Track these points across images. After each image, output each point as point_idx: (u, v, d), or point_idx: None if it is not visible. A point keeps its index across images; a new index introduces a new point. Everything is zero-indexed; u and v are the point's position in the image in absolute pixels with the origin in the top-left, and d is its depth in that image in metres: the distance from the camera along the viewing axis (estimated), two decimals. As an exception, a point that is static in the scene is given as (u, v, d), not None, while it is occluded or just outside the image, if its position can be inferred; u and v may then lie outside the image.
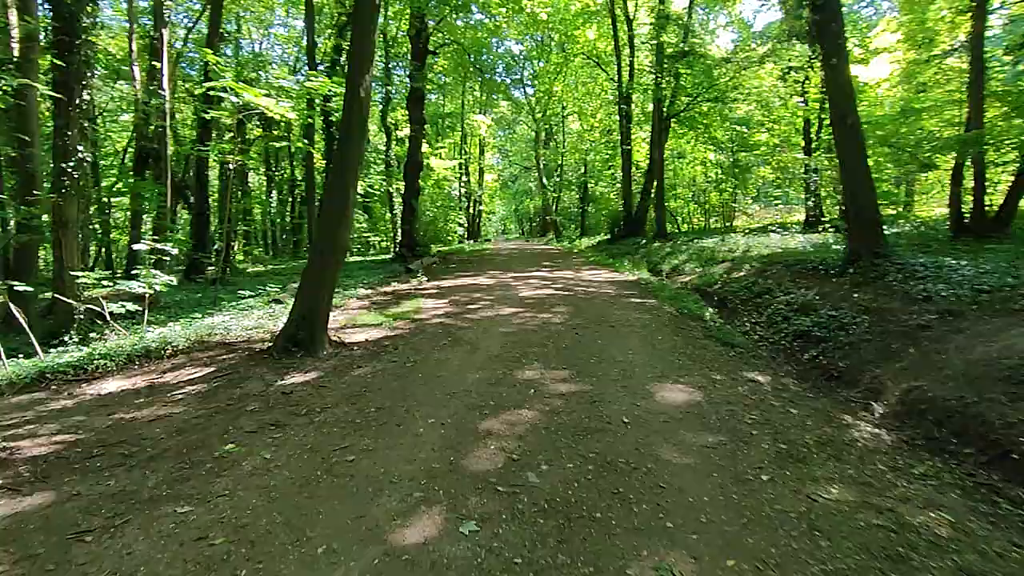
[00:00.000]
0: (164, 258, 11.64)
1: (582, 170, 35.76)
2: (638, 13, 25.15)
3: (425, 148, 25.86)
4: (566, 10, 27.46)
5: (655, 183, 22.67)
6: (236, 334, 7.29)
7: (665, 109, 21.56)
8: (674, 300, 9.48)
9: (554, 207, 38.76)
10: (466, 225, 35.36)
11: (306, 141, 19.42)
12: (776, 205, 33.51)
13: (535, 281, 11.76)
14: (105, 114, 24.04)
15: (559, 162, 39.04)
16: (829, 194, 20.27)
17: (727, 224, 29.99)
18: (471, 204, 41.67)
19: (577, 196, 38.78)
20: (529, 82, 36.43)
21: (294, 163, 30.90)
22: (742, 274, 11.21)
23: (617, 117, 31.21)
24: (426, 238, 21.89)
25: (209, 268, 15.55)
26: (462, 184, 36.44)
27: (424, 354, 6.21)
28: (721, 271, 12.28)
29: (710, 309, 9.30)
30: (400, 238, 19.57)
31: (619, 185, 35.33)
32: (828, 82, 8.69)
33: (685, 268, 14.22)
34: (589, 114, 31.90)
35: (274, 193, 33.17)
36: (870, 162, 9.05)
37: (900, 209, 21.88)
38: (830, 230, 15.54)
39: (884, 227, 8.61)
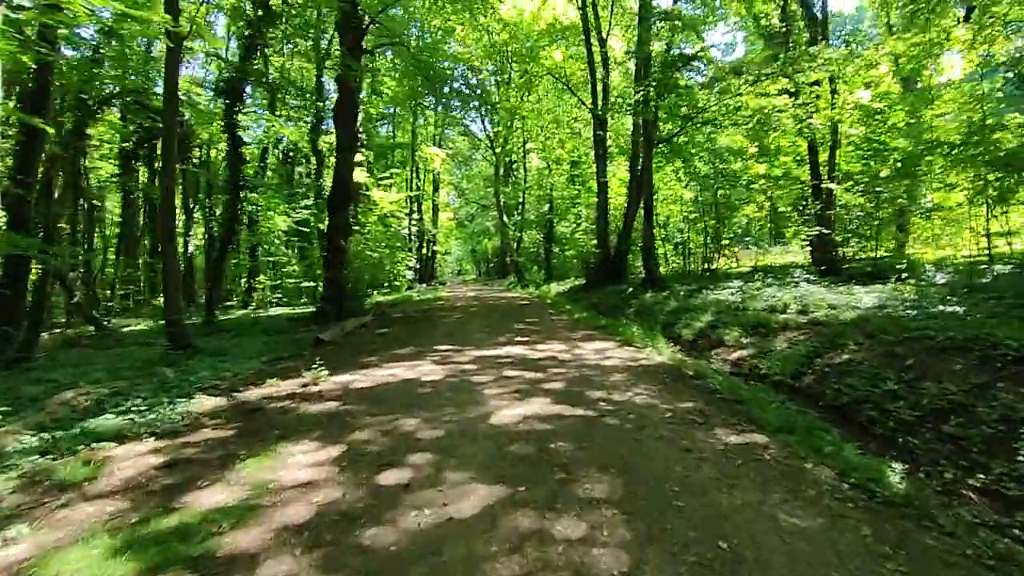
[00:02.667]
0: None
1: (546, 208, 31.48)
2: (612, 31, 21.28)
3: (364, 176, 20.95)
4: (530, 27, 23.45)
5: (639, 219, 18.39)
6: None
7: (656, 132, 17.38)
8: (790, 432, 4.70)
9: (515, 247, 34.23)
10: (417, 267, 30.29)
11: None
12: (758, 246, 29.98)
13: (514, 373, 6.85)
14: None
15: (520, 199, 34.73)
16: (853, 232, 16.29)
17: (707, 267, 26.08)
18: (423, 244, 36.71)
19: (540, 236, 34.43)
20: (487, 113, 32.20)
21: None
22: (846, 357, 6.71)
23: (586, 149, 27.26)
24: (363, 286, 16.81)
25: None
26: (413, 222, 31.53)
27: None
28: (795, 348, 7.73)
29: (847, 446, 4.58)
30: (324, 288, 14.38)
31: (587, 224, 31.26)
32: None
33: (722, 337, 9.64)
34: (555, 145, 27.74)
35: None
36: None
37: None
38: (874, 280, 11.38)
39: None
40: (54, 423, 5.16)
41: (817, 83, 16.32)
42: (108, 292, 21.75)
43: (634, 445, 4.25)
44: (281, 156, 26.48)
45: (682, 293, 15.37)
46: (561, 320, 12.94)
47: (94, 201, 21.34)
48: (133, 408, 5.67)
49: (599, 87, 20.50)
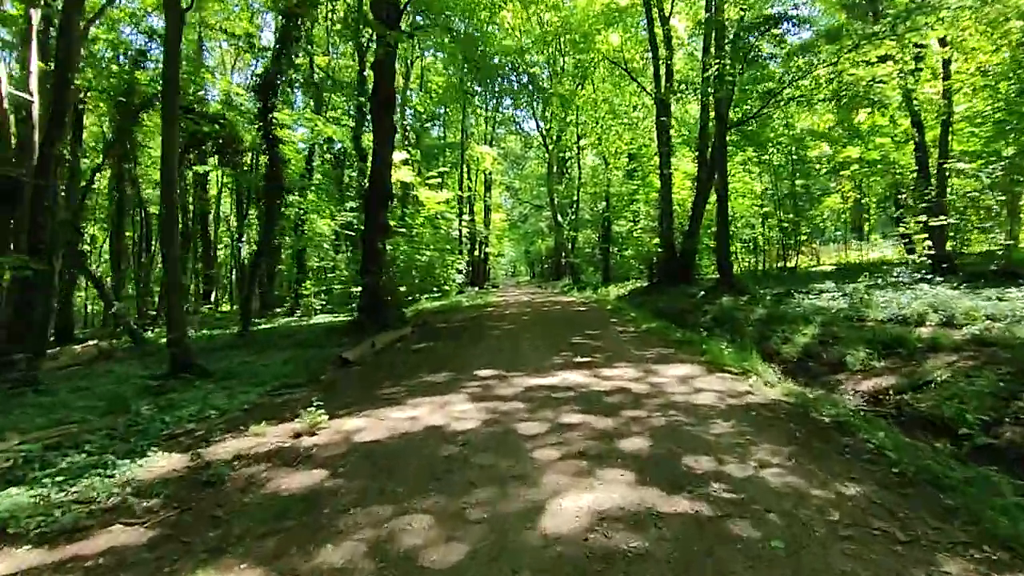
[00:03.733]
0: None
1: (602, 205, 29.26)
2: (676, 7, 18.98)
3: (411, 175, 19.52)
4: (585, 11, 21.42)
5: (715, 213, 16.08)
6: None
7: (730, 113, 15.03)
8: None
9: (570, 248, 32.16)
10: (468, 270, 28.77)
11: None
12: (844, 240, 26.79)
13: (575, 418, 4.93)
14: None
15: (574, 197, 32.65)
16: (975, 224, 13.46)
17: (784, 266, 23.25)
18: (476, 246, 35.19)
19: (596, 235, 32.21)
20: (539, 104, 30.29)
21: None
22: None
23: (644, 141, 24.92)
24: (404, 294, 15.34)
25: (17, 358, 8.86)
26: (464, 223, 30.04)
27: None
28: (970, 380, 5.51)
29: None
30: (360, 297, 12.91)
31: (647, 221, 28.86)
32: None
33: (841, 358, 7.42)
34: (612, 137, 25.53)
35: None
36: None
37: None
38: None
39: None
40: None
41: (921, 47, 13.64)
42: (157, 300, 21.23)
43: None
44: (332, 159, 25.57)
45: (768, 297, 13.03)
46: (627, 331, 10.92)
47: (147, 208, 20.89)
48: (63, 471, 4.17)
49: (662, 69, 18.27)
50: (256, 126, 14.79)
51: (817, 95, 14.22)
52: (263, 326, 17.19)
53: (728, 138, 17.37)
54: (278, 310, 23.07)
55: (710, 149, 18.48)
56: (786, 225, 22.44)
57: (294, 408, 5.62)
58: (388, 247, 14.81)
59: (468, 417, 5.11)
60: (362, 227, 19.11)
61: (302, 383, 7.22)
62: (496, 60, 20.66)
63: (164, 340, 16.20)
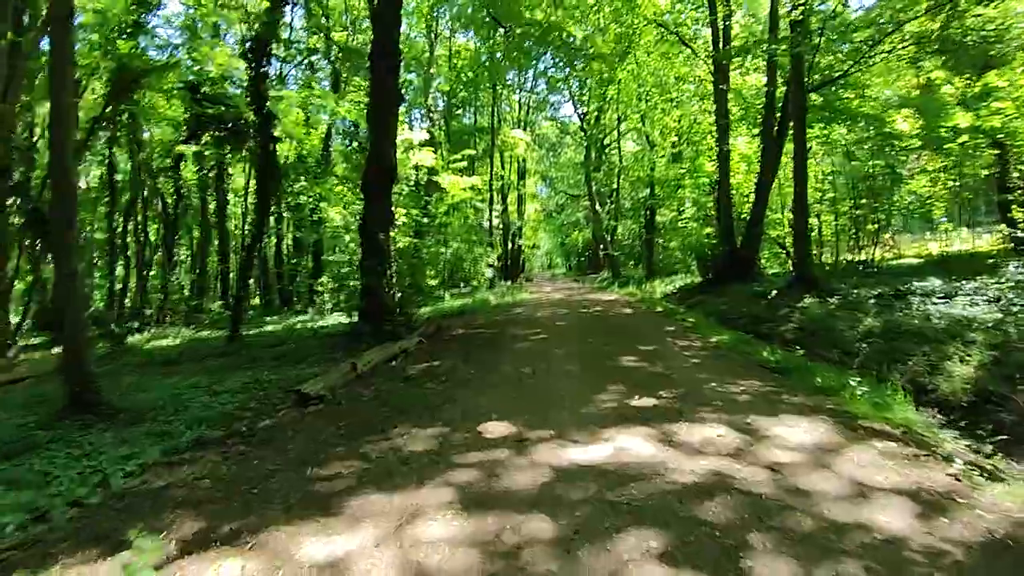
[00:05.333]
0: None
1: (645, 193, 26.20)
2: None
3: (432, 159, 17.07)
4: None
5: (792, 198, 13.08)
6: None
7: (809, 76, 11.99)
8: None
9: (609, 239, 29.24)
10: (498, 264, 26.23)
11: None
12: (931, 231, 23.08)
13: (651, 563, 2.44)
14: None
15: (614, 185, 29.66)
16: None
17: (864, 260, 19.83)
18: (510, 238, 32.57)
19: (637, 225, 29.19)
20: (576, 77, 27.30)
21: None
22: None
23: (695, 118, 21.77)
24: (420, 291, 12.97)
25: None
26: (496, 214, 27.48)
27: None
28: None
29: None
30: (360, 299, 10.50)
31: (694, 209, 25.71)
32: None
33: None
34: (658, 115, 22.42)
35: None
36: None
37: None
38: None
39: None
40: None
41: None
42: (159, 299, 19.45)
43: None
44: (359, 145, 23.37)
45: (870, 300, 10.04)
46: (692, 346, 8.19)
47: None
48: None
49: (720, 23, 15.26)
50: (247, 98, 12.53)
51: (928, 46, 11.04)
52: (267, 328, 15.10)
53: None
54: (298, 307, 21.16)
55: (777, 122, 15.49)
56: (861, 213, 19.03)
57: (156, 511, 3.19)
58: (396, 239, 12.43)
59: (445, 566, 2.57)
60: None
61: (226, 436, 4.82)
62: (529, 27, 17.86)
63: (153, 344, 14.37)
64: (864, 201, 19.22)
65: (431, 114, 19.96)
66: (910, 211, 19.98)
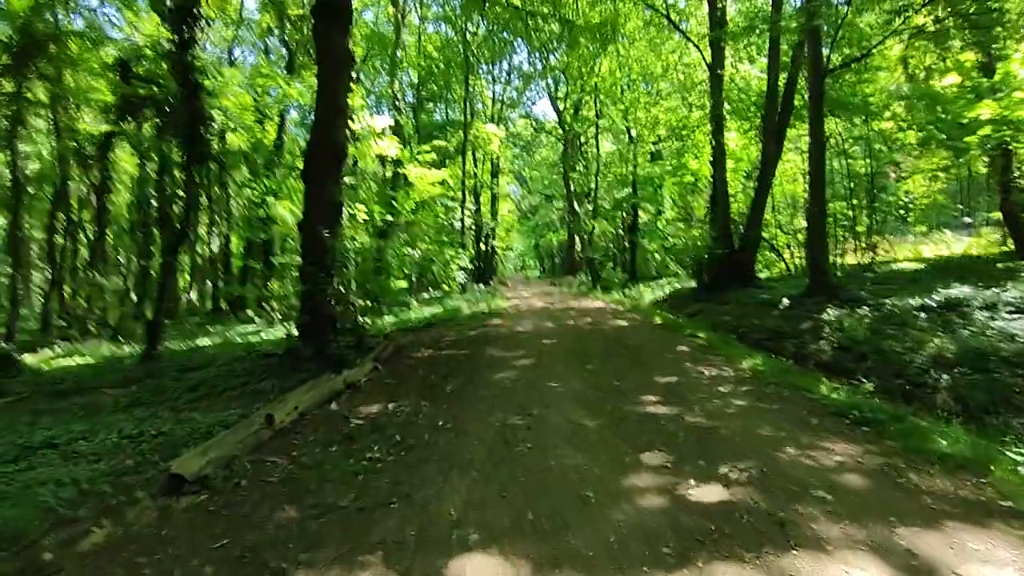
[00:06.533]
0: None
1: (625, 191, 24.46)
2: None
3: (396, 148, 14.92)
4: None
5: (807, 192, 11.43)
6: None
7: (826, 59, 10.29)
8: None
9: (588, 240, 27.42)
10: (473, 266, 24.15)
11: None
12: (927, 232, 21.98)
13: None
14: None
15: (592, 184, 27.86)
16: None
17: (846, 263, 18.47)
18: (483, 239, 30.47)
19: (615, 227, 27.49)
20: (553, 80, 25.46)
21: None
22: None
23: (683, 112, 20.10)
24: (377, 305, 10.84)
25: None
26: (468, 213, 25.33)
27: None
28: None
29: None
30: (300, 312, 8.30)
31: (677, 210, 24.17)
32: None
33: None
34: (642, 109, 20.64)
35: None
36: None
37: None
38: None
39: None
40: None
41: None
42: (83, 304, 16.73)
43: None
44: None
45: (914, 314, 8.36)
46: (722, 377, 6.31)
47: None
48: None
49: (719, 4, 13.57)
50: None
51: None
52: (203, 341, 12.71)
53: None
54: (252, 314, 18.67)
55: (778, 114, 13.94)
56: (854, 214, 17.67)
57: None
58: (353, 237, 10.31)
59: None
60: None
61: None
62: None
63: (54, 366, 11.86)
64: (856, 201, 17.94)
65: (397, 102, 17.76)
66: (906, 212, 18.72)
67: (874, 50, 10.10)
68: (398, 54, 18.66)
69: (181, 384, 7.69)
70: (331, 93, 7.73)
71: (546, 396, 5.65)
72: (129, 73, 15.84)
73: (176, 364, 9.44)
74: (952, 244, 19.71)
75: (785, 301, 10.94)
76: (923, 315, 8.00)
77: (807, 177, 20.75)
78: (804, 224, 21.60)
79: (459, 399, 5.69)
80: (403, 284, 17.38)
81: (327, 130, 7.67)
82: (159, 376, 8.51)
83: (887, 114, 15.77)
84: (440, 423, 4.82)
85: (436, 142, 17.54)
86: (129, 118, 16.19)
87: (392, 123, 15.77)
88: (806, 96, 14.46)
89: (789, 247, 20.81)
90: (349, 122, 8.39)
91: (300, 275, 8.09)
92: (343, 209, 8.13)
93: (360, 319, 9.01)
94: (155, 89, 14.98)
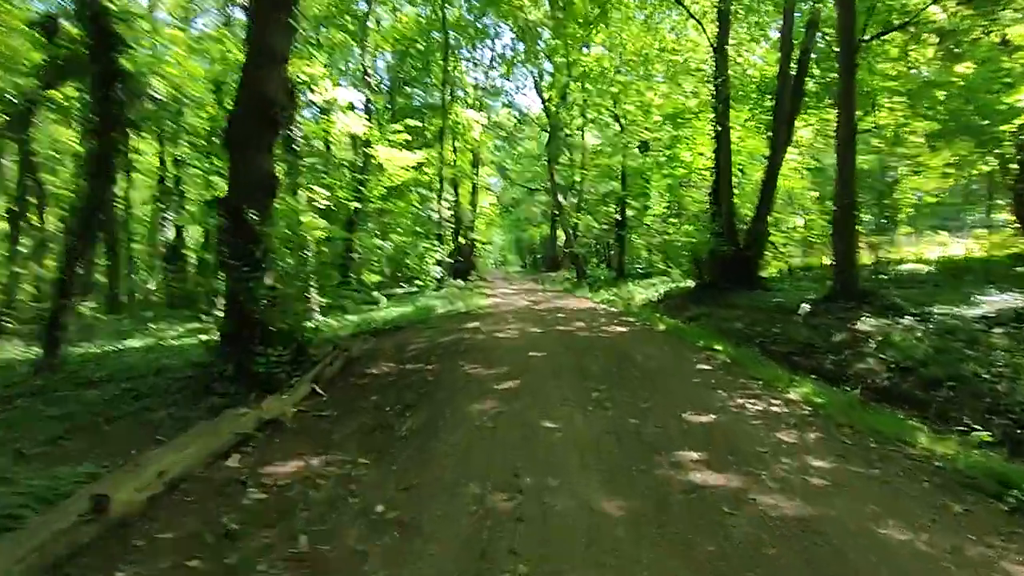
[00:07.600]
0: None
1: (614, 184, 22.86)
2: None
3: (363, 126, 13.02)
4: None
5: (836, 183, 9.91)
6: None
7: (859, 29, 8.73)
8: None
9: (573, 235, 25.76)
10: (451, 261, 22.29)
11: None
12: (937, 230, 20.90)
13: None
14: None
15: (579, 177, 26.21)
16: None
17: (863, 263, 17.15)
18: (462, 232, 28.58)
19: (600, 222, 25.86)
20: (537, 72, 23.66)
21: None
22: None
23: (681, 98, 18.49)
24: (331, 305, 9.01)
25: None
26: (447, 205, 23.41)
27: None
28: None
29: None
30: (224, 315, 6.44)
31: (664, 207, 22.63)
32: None
33: None
34: (635, 93, 18.97)
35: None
36: None
37: None
38: None
39: None
40: None
41: None
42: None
43: None
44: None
45: (975, 326, 6.86)
46: (771, 412, 4.68)
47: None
48: None
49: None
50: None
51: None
52: (126, 344, 10.66)
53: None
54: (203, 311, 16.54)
55: (790, 99, 12.53)
56: (865, 209, 16.36)
57: None
58: (306, 225, 8.48)
59: None
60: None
61: None
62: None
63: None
64: (866, 198, 16.61)
65: (368, 77, 15.80)
66: (914, 210, 17.48)
67: (920, 15, 8.55)
68: (369, 23, 16.66)
69: (58, 408, 5.78)
70: (262, 34, 5.86)
71: (541, 447, 3.93)
72: (55, 33, 13.66)
73: (74, 377, 7.48)
74: (950, 245, 18.64)
75: (805, 306, 9.44)
76: (996, 329, 6.51)
77: (810, 172, 19.48)
78: (801, 223, 20.40)
79: (417, 451, 3.93)
80: (375, 278, 15.55)
81: (256, 80, 5.80)
82: (41, 393, 6.58)
83: (898, 102, 14.39)
84: (381, 508, 3.06)
85: (409, 120, 15.62)
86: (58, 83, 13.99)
87: (363, 98, 13.84)
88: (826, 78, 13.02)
89: (786, 245, 19.52)
90: (292, 77, 6.53)
91: (227, 273, 6.22)
92: (277, 185, 6.27)
93: (305, 324, 7.19)
94: (84, 51, 12.83)
